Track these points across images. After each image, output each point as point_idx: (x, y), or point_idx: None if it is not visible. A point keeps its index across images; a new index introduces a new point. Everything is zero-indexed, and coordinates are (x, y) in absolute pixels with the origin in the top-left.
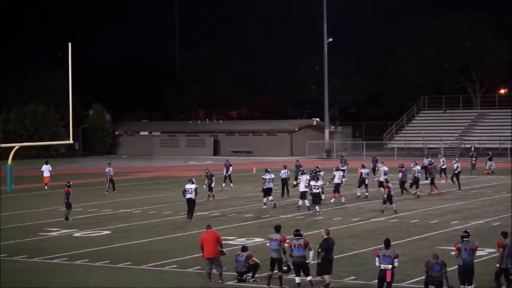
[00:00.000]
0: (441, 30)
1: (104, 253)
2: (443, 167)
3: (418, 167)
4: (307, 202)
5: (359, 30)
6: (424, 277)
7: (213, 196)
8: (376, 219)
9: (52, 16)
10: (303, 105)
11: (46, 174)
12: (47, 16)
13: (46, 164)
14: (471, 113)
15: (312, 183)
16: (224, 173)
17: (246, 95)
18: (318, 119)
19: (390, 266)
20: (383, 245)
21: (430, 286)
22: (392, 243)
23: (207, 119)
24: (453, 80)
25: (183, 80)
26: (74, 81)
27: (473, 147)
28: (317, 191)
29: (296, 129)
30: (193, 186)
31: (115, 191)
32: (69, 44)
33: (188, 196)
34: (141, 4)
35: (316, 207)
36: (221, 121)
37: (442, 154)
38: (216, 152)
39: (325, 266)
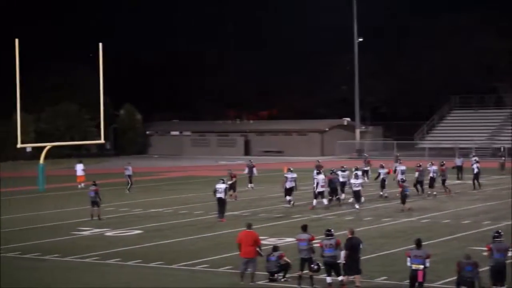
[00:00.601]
0: (473, 29)
1: (136, 252)
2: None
3: (434, 167)
4: (315, 202)
5: (390, 29)
6: (455, 277)
7: (230, 195)
8: (407, 219)
9: (84, 15)
10: (333, 105)
11: (80, 173)
12: (79, 15)
13: (80, 163)
14: (502, 113)
15: (353, 181)
16: (246, 173)
17: (277, 95)
18: (349, 119)
19: (421, 266)
20: (414, 245)
21: (461, 287)
22: (423, 243)
23: (237, 119)
24: (484, 79)
25: (214, 80)
26: (105, 81)
27: (502, 147)
28: (357, 189)
29: (327, 129)
30: (223, 186)
31: (127, 192)
32: (100, 44)
33: (218, 195)
34: (169, 5)
35: (356, 205)
36: (251, 121)
37: (474, 154)
38: (247, 152)
39: (349, 265)
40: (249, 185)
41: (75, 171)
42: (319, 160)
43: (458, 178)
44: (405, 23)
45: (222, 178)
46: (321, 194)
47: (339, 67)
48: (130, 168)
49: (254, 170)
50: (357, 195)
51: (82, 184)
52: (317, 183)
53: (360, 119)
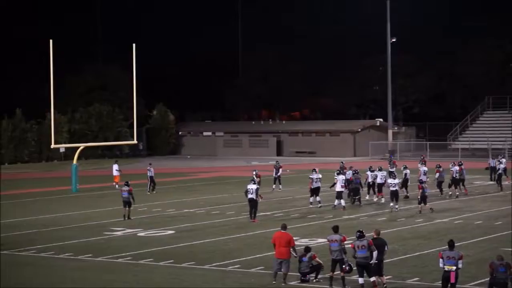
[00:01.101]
0: (505, 30)
1: (168, 253)
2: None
3: (456, 168)
4: (343, 202)
5: (422, 30)
6: (488, 278)
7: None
8: (439, 220)
9: (116, 16)
10: (366, 105)
11: (115, 173)
12: (111, 16)
13: (115, 164)
14: None
15: (389, 181)
16: (274, 175)
17: (309, 96)
18: (381, 120)
19: (454, 268)
20: (447, 246)
21: None
22: (456, 244)
23: (270, 120)
24: None
25: (246, 80)
26: (138, 82)
27: None
28: (394, 188)
29: (359, 130)
30: (254, 187)
31: (154, 192)
32: (133, 45)
33: (250, 196)
34: (203, 5)
35: (391, 204)
36: (284, 122)
37: (502, 155)
38: (279, 152)
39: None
40: (280, 187)
41: (112, 171)
42: (343, 161)
43: (491, 179)
44: (439, 24)
45: (253, 179)
46: (339, 194)
47: (372, 67)
48: (152, 169)
49: (280, 171)
50: (394, 195)
51: (117, 185)
52: (334, 183)
53: (393, 120)
